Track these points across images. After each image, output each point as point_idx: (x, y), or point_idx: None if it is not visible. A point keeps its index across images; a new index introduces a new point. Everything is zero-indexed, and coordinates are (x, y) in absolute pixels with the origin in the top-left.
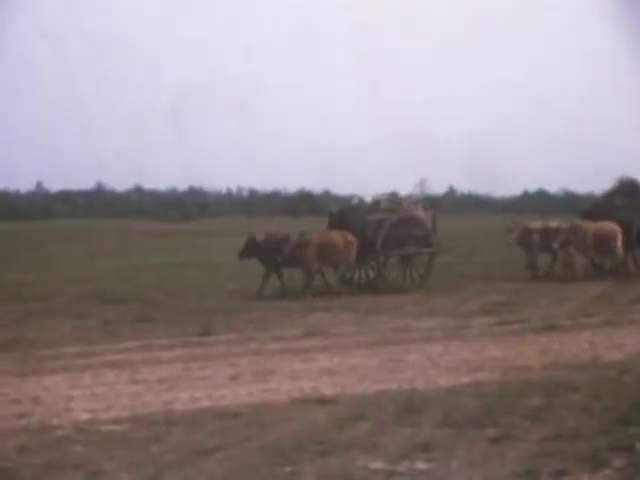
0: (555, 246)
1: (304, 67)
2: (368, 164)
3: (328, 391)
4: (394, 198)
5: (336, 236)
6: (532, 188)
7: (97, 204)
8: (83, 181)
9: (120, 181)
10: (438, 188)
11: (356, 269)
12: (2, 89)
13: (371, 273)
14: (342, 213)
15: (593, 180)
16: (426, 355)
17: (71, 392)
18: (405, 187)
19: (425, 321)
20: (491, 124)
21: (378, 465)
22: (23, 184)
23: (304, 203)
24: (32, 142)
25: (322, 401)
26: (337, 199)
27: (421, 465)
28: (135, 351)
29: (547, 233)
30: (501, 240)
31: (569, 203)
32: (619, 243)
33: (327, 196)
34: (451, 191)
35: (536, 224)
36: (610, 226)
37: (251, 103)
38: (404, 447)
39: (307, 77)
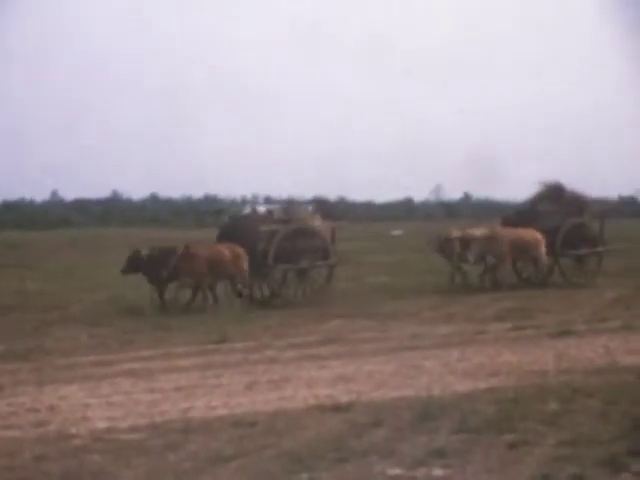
0: (470, 257)
1: (317, 75)
2: (380, 170)
3: (344, 398)
4: (289, 207)
5: (224, 248)
6: None
7: (113, 212)
8: (99, 190)
9: (136, 189)
10: (454, 194)
11: (254, 283)
12: (16, 98)
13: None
14: (232, 224)
15: (610, 183)
16: (442, 361)
17: (88, 401)
18: (420, 193)
19: (441, 327)
20: (502, 128)
21: (395, 471)
22: (38, 193)
23: (318, 210)
24: (47, 151)
25: (338, 408)
26: (352, 205)
27: (438, 471)
28: (152, 359)
29: (466, 241)
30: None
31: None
32: (541, 251)
33: (342, 203)
34: (466, 197)
35: (456, 232)
36: (531, 234)
37: (267, 109)
38: (421, 453)
39: (323, 86)
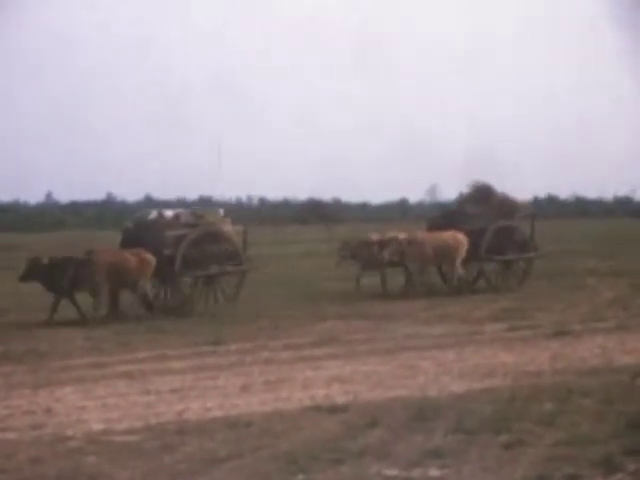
0: (386, 257)
1: (310, 73)
2: (376, 171)
3: (340, 399)
4: (198, 211)
5: (128, 254)
6: (542, 194)
7: (107, 215)
8: (93, 192)
9: (130, 192)
10: (450, 195)
11: (161, 290)
12: (10, 100)
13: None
14: (137, 229)
15: (604, 185)
16: (438, 362)
17: (84, 403)
18: (415, 194)
19: (436, 328)
20: (498, 129)
21: (391, 472)
22: (33, 195)
23: (314, 211)
24: (42, 153)
25: (334, 409)
26: (347, 206)
27: (434, 471)
28: (147, 361)
29: (384, 246)
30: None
31: (580, 208)
32: (460, 255)
33: (337, 204)
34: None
35: (374, 236)
36: (453, 237)
37: (262, 110)
38: (417, 454)
39: (314, 83)
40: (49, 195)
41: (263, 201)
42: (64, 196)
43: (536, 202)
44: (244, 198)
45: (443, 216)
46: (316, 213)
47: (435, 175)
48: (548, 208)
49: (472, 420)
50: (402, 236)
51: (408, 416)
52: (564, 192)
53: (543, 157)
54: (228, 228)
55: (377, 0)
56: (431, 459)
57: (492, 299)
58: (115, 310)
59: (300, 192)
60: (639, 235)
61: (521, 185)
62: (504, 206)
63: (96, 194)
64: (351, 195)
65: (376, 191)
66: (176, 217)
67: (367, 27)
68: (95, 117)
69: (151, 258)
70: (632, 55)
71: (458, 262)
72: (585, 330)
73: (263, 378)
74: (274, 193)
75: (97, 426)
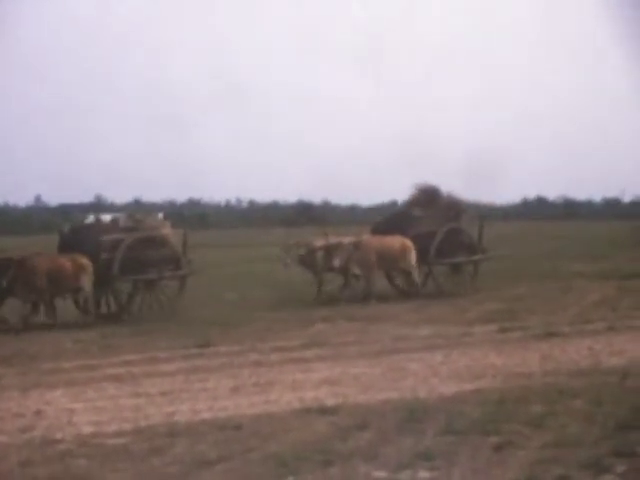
0: (336, 264)
1: (303, 74)
2: (368, 172)
3: (329, 401)
4: (135, 215)
5: (66, 260)
6: (531, 195)
7: None
8: (82, 195)
9: (119, 194)
10: None
11: (102, 297)
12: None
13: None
14: (74, 233)
15: (594, 186)
16: (427, 363)
17: (73, 406)
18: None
19: (426, 329)
20: (488, 131)
21: (381, 474)
22: (22, 198)
23: (303, 214)
24: (31, 156)
25: (324, 411)
26: (336, 208)
27: (424, 473)
28: (136, 364)
29: (330, 251)
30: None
31: (569, 210)
32: (411, 260)
33: (326, 206)
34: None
35: (319, 242)
36: (400, 241)
37: (251, 111)
38: (406, 456)
39: (307, 84)
40: (38, 198)
41: (252, 203)
42: (54, 199)
43: (525, 204)
44: (233, 200)
45: (388, 220)
46: (305, 215)
47: (427, 177)
48: (537, 210)
49: (461, 422)
50: (346, 241)
51: (397, 418)
52: (553, 193)
53: (532, 159)
54: (167, 232)
55: (378, 1)
56: (420, 461)
57: (481, 301)
58: (53, 315)
59: (289, 195)
60: (627, 237)
61: (510, 186)
62: (451, 208)
63: (85, 197)
64: (340, 197)
65: (367, 193)
66: (114, 221)
67: (367, 28)
68: (85, 119)
69: (87, 263)
70: (632, 55)
71: (413, 267)
72: (574, 332)
73: (252, 380)
74: (263, 195)
75: (87, 429)
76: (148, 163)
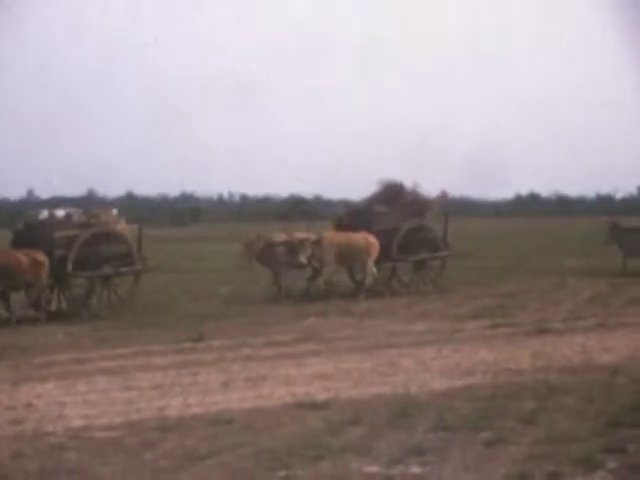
0: (302, 260)
1: (299, 70)
2: (360, 167)
3: (321, 396)
4: (90, 211)
5: (21, 256)
6: (524, 191)
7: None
8: (74, 188)
9: (111, 188)
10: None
11: (55, 293)
12: None
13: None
14: (28, 229)
15: (586, 183)
16: (419, 359)
17: (64, 399)
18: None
19: (418, 325)
20: (484, 127)
21: (372, 469)
22: (13, 192)
23: (296, 208)
24: (22, 149)
25: (316, 406)
26: (328, 203)
27: (415, 469)
28: (128, 357)
29: (292, 247)
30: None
31: (562, 206)
32: (372, 256)
33: (319, 201)
34: (442, 195)
35: (280, 237)
36: (362, 237)
37: (243, 106)
38: (398, 451)
39: (300, 80)
40: (30, 191)
41: (245, 198)
42: (46, 193)
43: (518, 200)
44: (225, 195)
45: (351, 215)
46: (298, 210)
47: (417, 173)
48: (530, 206)
49: (453, 417)
50: (308, 236)
51: (389, 413)
52: (546, 190)
53: (526, 156)
54: (122, 228)
55: (381, 0)
56: (412, 456)
57: (472, 297)
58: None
59: (282, 189)
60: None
61: (504, 183)
62: (415, 205)
63: (77, 190)
64: (335, 192)
65: (360, 188)
66: (68, 217)
67: (369, 27)
68: (77, 113)
69: (43, 258)
70: (625, 54)
71: (370, 264)
72: (565, 328)
73: (244, 375)
74: (258, 190)
75: (78, 422)
76: (141, 157)
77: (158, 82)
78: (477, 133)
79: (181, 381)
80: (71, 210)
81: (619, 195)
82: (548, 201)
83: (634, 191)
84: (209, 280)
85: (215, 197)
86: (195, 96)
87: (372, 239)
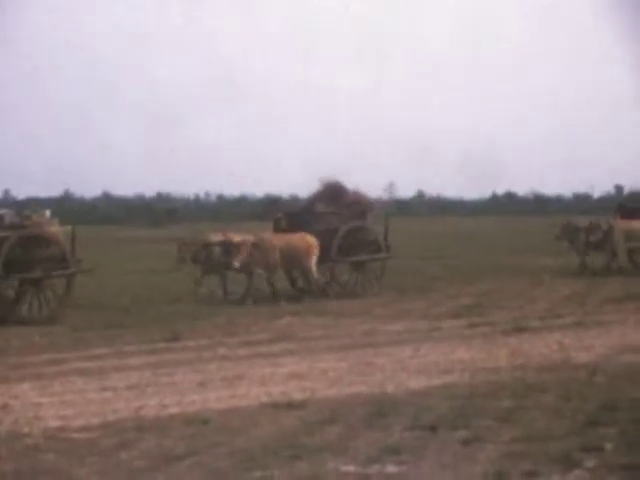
0: (236, 265)
1: (286, 69)
2: (336, 165)
3: (298, 395)
4: (23, 212)
5: None
6: (501, 190)
7: (65, 211)
8: (50, 188)
9: (87, 188)
10: (407, 192)
11: None
12: None
13: None
14: None
15: (563, 182)
16: (396, 358)
17: (41, 400)
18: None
19: (394, 324)
20: (462, 127)
21: (349, 468)
22: None
23: (271, 208)
24: (0, 150)
25: (292, 405)
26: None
27: (392, 468)
28: (104, 358)
29: (228, 248)
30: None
31: (538, 205)
32: (311, 258)
33: (295, 200)
34: (419, 195)
35: (216, 238)
36: (301, 238)
37: (223, 106)
38: (375, 450)
39: (288, 80)
40: (7, 192)
41: (221, 198)
42: (22, 192)
43: (495, 199)
44: (202, 195)
45: (291, 216)
46: (274, 209)
47: (393, 172)
48: (507, 206)
49: (430, 416)
50: (246, 238)
51: (366, 412)
52: (523, 189)
53: (504, 155)
54: (55, 229)
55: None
56: (389, 455)
57: (450, 296)
58: None
59: (257, 188)
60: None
61: (481, 182)
62: (356, 205)
63: (54, 191)
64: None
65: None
66: (0, 218)
67: (367, 25)
68: (55, 114)
69: None
70: (606, 56)
71: (313, 265)
72: (543, 327)
73: (220, 375)
74: (231, 190)
75: (54, 423)
76: (118, 158)
77: (137, 83)
78: (456, 133)
79: (157, 381)
80: (3, 211)
81: (596, 194)
82: (525, 200)
83: (611, 190)
84: (183, 281)
85: (192, 197)
86: (172, 97)
87: (311, 240)
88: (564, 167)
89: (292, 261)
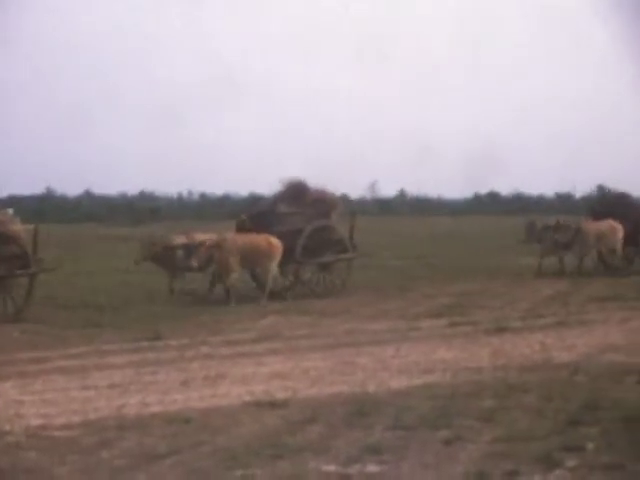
0: (194, 264)
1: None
2: (315, 167)
3: (280, 395)
4: None
5: None
6: (483, 190)
7: (47, 209)
8: (33, 186)
9: (70, 186)
10: (389, 191)
11: None
12: None
13: None
14: None
15: (545, 182)
16: (377, 358)
17: (22, 398)
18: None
19: (376, 324)
20: (467, 125)
21: (330, 468)
22: None
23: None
24: None
25: (274, 405)
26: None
27: (373, 467)
28: (86, 356)
29: (190, 250)
30: (453, 243)
31: (521, 205)
32: (274, 259)
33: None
34: (401, 194)
35: (179, 239)
36: (264, 239)
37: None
38: (356, 450)
39: (272, 79)
40: None
41: (204, 197)
42: (3, 190)
43: (477, 198)
44: (185, 193)
45: (254, 217)
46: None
47: (375, 171)
48: (489, 205)
49: (411, 416)
50: (208, 238)
51: (347, 412)
52: (505, 189)
53: (486, 154)
54: (16, 228)
55: (379, 0)
56: (370, 455)
57: (431, 296)
58: None
59: (241, 187)
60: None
61: (463, 181)
62: (319, 204)
63: (36, 189)
64: None
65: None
66: None
67: (367, 24)
68: (37, 111)
69: None
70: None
71: (273, 268)
72: (525, 326)
73: (203, 374)
74: (214, 189)
75: (35, 421)
76: (101, 155)
77: (121, 82)
78: (456, 133)
79: (139, 380)
80: None
81: (578, 194)
82: (507, 200)
83: (593, 190)
84: (165, 279)
85: (174, 196)
86: (153, 95)
87: (275, 241)
88: (546, 167)
89: (254, 262)
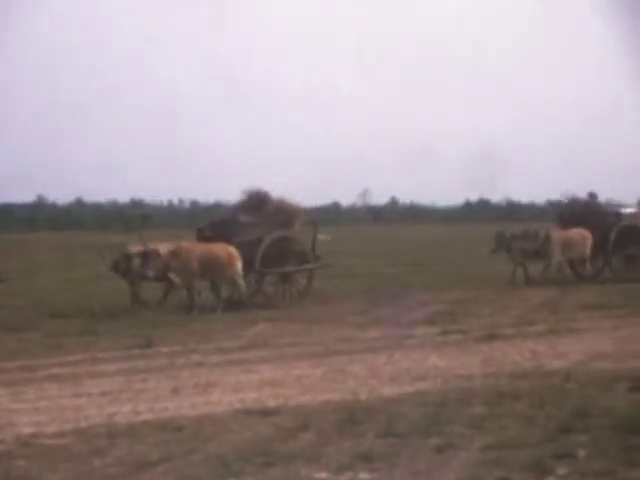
0: (150, 274)
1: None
2: (307, 174)
3: (271, 402)
4: None
5: None
6: (474, 197)
7: (38, 217)
8: (23, 194)
9: (61, 194)
10: (381, 198)
11: None
12: None
13: None
14: None
15: (535, 190)
16: (369, 365)
17: (14, 406)
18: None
19: (367, 331)
20: (467, 126)
21: (321, 475)
22: None
23: None
24: None
25: (265, 412)
26: None
27: (364, 475)
28: (77, 364)
29: (148, 258)
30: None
31: (512, 212)
32: (237, 269)
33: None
34: (393, 201)
35: (135, 248)
36: (222, 248)
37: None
38: (347, 457)
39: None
40: None
41: (195, 204)
42: None
43: (467, 205)
44: (175, 201)
45: (213, 225)
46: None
47: (373, 172)
48: (480, 212)
49: (403, 423)
50: (165, 247)
51: (339, 419)
52: (496, 196)
53: (478, 161)
54: None
55: (379, 1)
56: (361, 463)
57: (422, 303)
58: None
59: (233, 196)
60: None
61: (454, 189)
62: (280, 214)
63: (27, 196)
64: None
65: (311, 194)
66: None
67: (367, 26)
68: (25, 117)
69: None
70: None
71: (239, 275)
72: (516, 334)
73: (194, 381)
74: (206, 197)
75: (27, 429)
76: (91, 163)
77: (109, 91)
78: (456, 133)
79: (131, 387)
80: None
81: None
82: (498, 207)
83: (585, 198)
84: (155, 287)
85: (165, 203)
86: (140, 103)
87: (233, 250)
88: (538, 174)
89: (212, 271)
